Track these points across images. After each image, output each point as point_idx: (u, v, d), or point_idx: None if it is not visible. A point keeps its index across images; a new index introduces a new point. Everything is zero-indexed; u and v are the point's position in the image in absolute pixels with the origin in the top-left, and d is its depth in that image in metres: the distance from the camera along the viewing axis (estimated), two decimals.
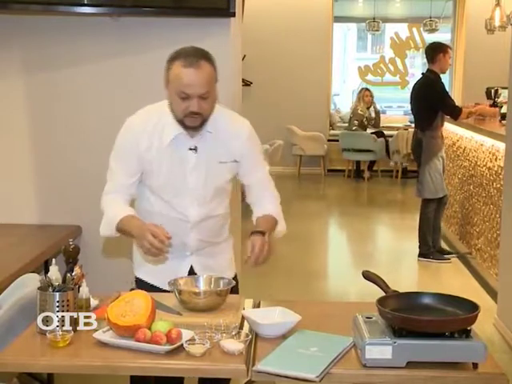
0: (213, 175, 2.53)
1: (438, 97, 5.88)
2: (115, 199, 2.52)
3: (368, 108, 10.81)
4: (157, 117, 2.50)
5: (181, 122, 2.43)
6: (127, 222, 2.44)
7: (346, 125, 11.17)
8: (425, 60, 6.28)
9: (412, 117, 6.94)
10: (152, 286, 2.61)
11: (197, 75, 2.35)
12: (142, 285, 2.61)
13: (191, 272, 2.60)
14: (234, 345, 1.98)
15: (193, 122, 2.41)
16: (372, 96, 10.86)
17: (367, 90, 10.99)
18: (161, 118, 2.49)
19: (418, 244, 6.17)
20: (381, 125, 11.07)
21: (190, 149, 2.49)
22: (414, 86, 6.26)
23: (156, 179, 2.52)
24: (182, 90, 2.36)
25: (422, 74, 6.16)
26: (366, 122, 10.72)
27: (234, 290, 2.45)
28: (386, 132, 10.79)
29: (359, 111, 10.70)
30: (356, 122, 10.65)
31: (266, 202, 2.62)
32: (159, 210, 2.56)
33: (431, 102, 5.86)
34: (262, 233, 2.42)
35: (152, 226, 2.34)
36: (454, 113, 5.95)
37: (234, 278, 2.59)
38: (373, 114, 10.92)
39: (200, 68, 2.36)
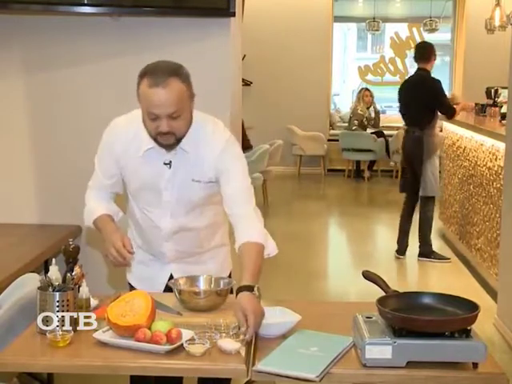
0: (187, 191, 2.44)
1: (435, 96, 5.90)
2: (97, 195, 2.56)
3: (368, 108, 10.81)
4: (139, 123, 2.39)
5: (155, 140, 2.35)
6: (101, 223, 2.48)
7: (346, 125, 11.17)
8: None
9: None
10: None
11: (164, 95, 2.22)
12: (130, 289, 2.62)
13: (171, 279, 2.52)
14: (231, 344, 1.98)
15: (166, 140, 2.32)
16: (372, 96, 10.87)
17: (367, 89, 11.00)
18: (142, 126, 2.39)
19: (417, 244, 6.19)
20: (381, 125, 11.07)
21: (165, 163, 2.41)
22: (404, 85, 6.24)
23: (132, 184, 2.51)
24: (150, 111, 2.26)
25: (415, 72, 6.17)
26: (365, 122, 10.72)
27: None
28: (385, 132, 10.78)
29: (359, 111, 10.70)
30: (356, 121, 10.65)
31: (248, 224, 2.37)
32: (137, 216, 2.57)
33: (429, 100, 5.87)
34: (251, 288, 2.13)
35: (118, 239, 2.34)
36: (449, 112, 6.02)
37: None
38: (372, 114, 10.93)
39: (168, 87, 2.22)
